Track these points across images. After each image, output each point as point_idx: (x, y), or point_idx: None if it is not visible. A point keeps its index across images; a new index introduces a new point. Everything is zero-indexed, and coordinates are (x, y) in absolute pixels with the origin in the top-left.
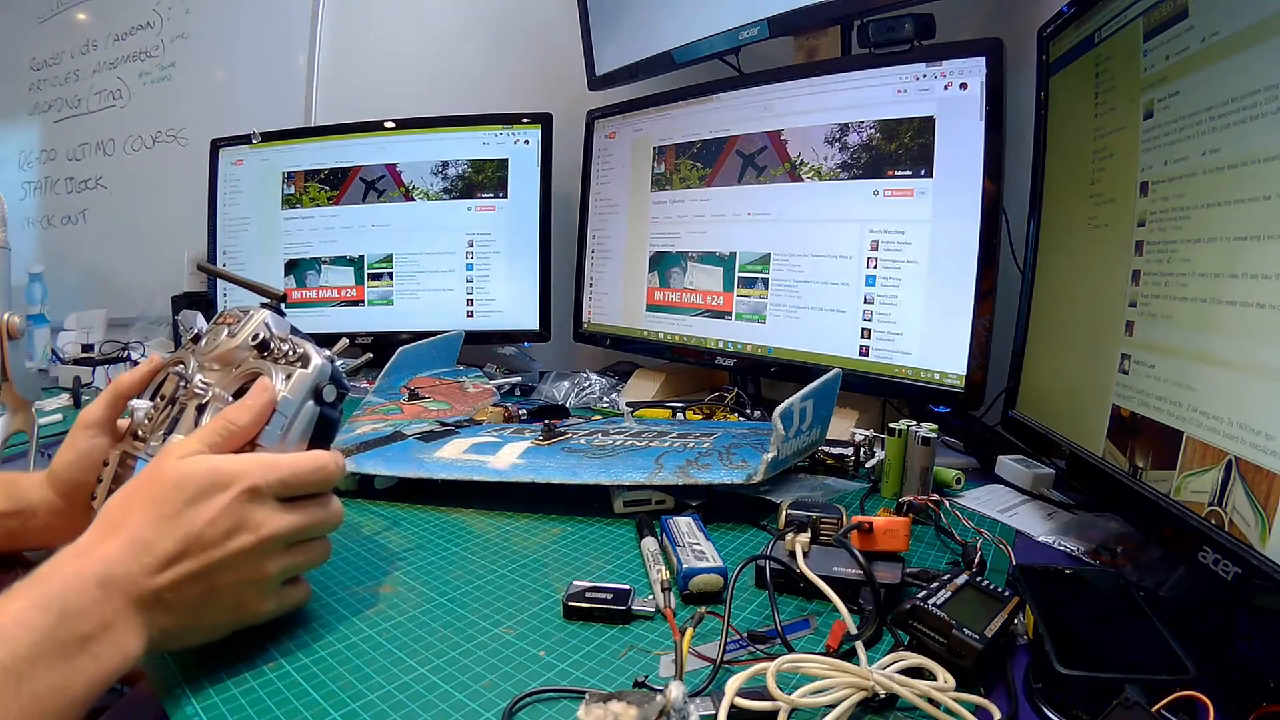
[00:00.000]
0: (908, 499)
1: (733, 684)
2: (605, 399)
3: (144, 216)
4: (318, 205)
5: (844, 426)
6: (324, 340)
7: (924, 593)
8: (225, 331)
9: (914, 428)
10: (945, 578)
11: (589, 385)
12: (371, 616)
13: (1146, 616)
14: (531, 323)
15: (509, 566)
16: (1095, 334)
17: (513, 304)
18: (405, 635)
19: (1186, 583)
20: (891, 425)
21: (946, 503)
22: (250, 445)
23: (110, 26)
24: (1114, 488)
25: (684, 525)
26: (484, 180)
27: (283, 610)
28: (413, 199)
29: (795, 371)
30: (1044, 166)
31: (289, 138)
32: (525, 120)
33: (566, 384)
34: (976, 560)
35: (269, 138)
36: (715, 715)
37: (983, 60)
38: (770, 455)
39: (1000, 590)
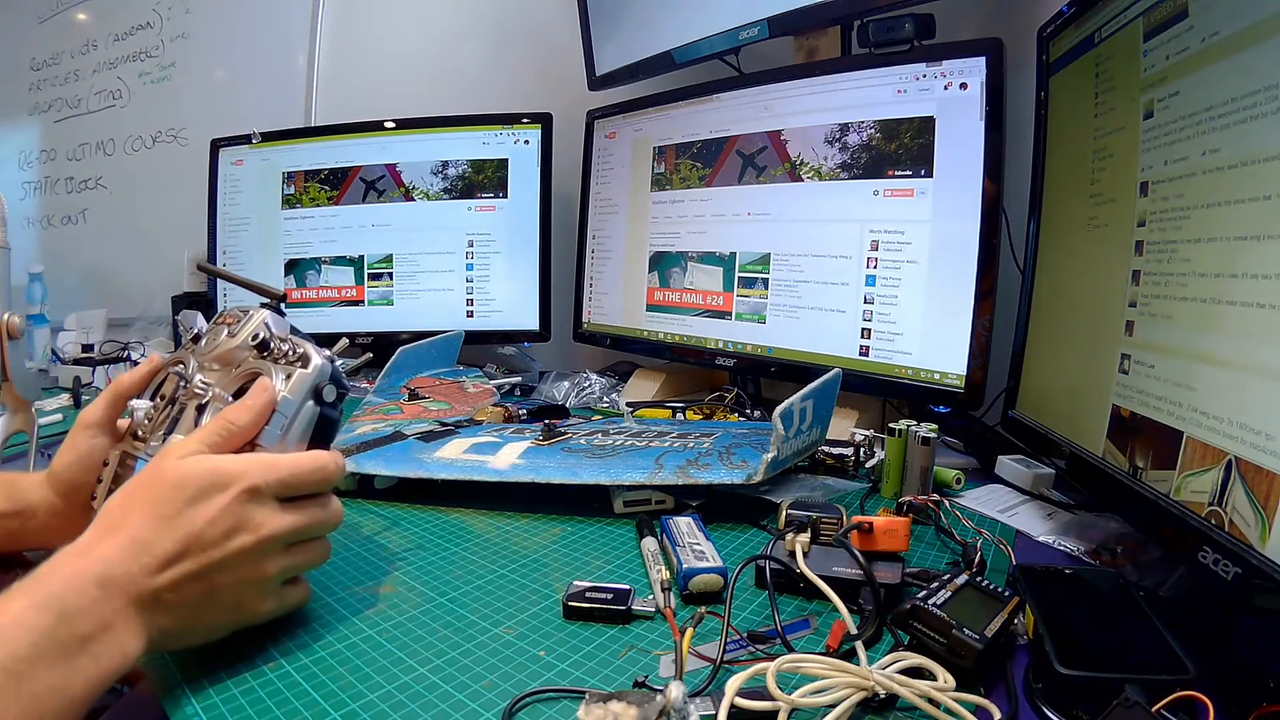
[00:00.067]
0: (908, 499)
1: (733, 684)
2: (605, 399)
3: (144, 216)
4: (318, 205)
5: (844, 426)
6: (324, 340)
7: (924, 593)
8: (225, 331)
9: (914, 428)
10: (945, 578)
11: (589, 385)
12: (371, 616)
13: (1146, 616)
14: (531, 323)
15: (509, 566)
16: (1095, 334)
17: (513, 304)
18: (405, 635)
19: (1186, 583)
20: (891, 425)
21: (946, 503)
22: (250, 445)
23: (110, 26)
24: (1114, 488)
25: (684, 525)
26: (484, 180)
27: (282, 610)
28: (413, 199)
29: (795, 371)
30: (1044, 166)
31: (289, 138)
32: (525, 120)
33: (566, 384)
34: (976, 560)
35: (269, 138)
36: (715, 715)
37: (983, 60)
38: (770, 455)
39: (1000, 590)
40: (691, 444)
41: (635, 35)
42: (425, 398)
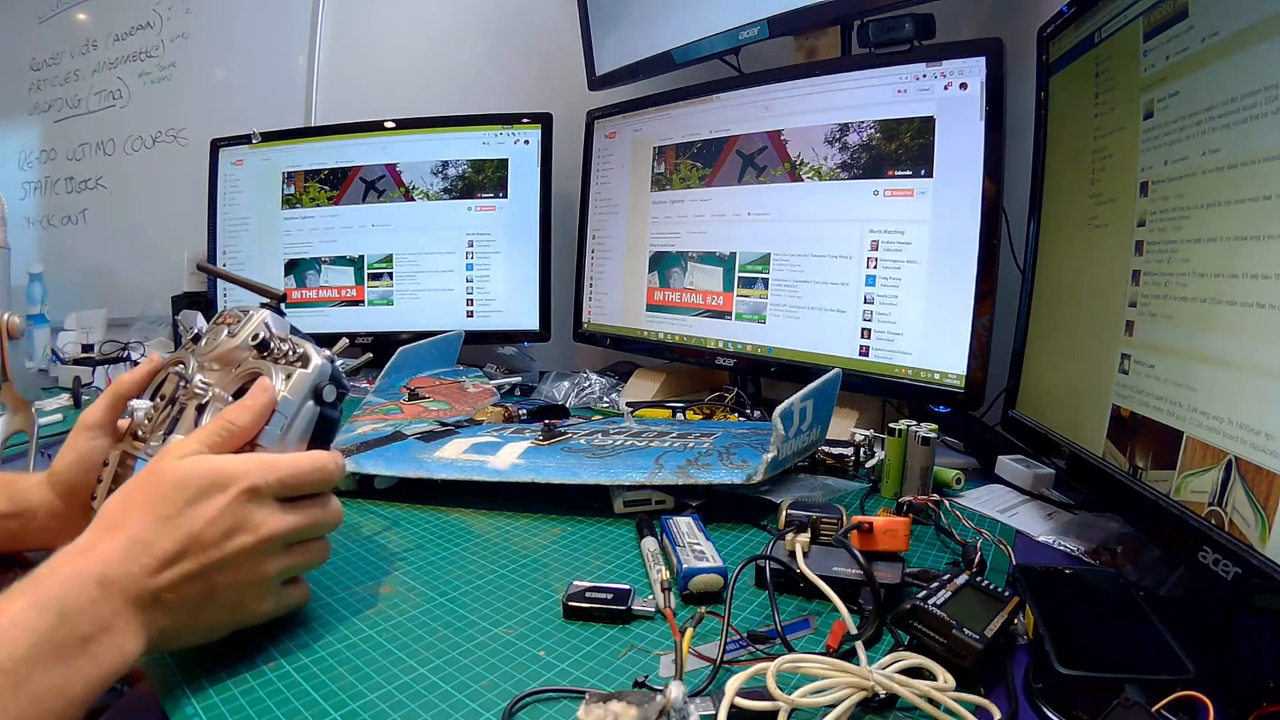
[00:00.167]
0: (908, 499)
1: (733, 684)
2: (605, 399)
3: (144, 216)
4: (318, 205)
5: (844, 426)
6: (324, 340)
7: (924, 593)
8: (225, 331)
9: (914, 428)
10: (945, 578)
11: (589, 385)
12: (371, 616)
13: (1146, 616)
14: (531, 323)
15: (509, 566)
16: (1095, 334)
17: (513, 304)
18: (405, 635)
19: (1186, 583)
20: (891, 425)
21: (946, 503)
22: (250, 445)
23: (110, 26)
24: (1114, 488)
25: (684, 525)
26: (484, 180)
27: (282, 610)
28: (413, 199)
29: (795, 371)
30: (1044, 166)
31: (289, 138)
32: (525, 120)
33: (566, 384)
34: (976, 560)
35: (269, 138)
36: (715, 715)
37: (983, 60)
38: (770, 455)
39: (1000, 590)
40: (691, 444)
41: (635, 35)
42: (425, 398)
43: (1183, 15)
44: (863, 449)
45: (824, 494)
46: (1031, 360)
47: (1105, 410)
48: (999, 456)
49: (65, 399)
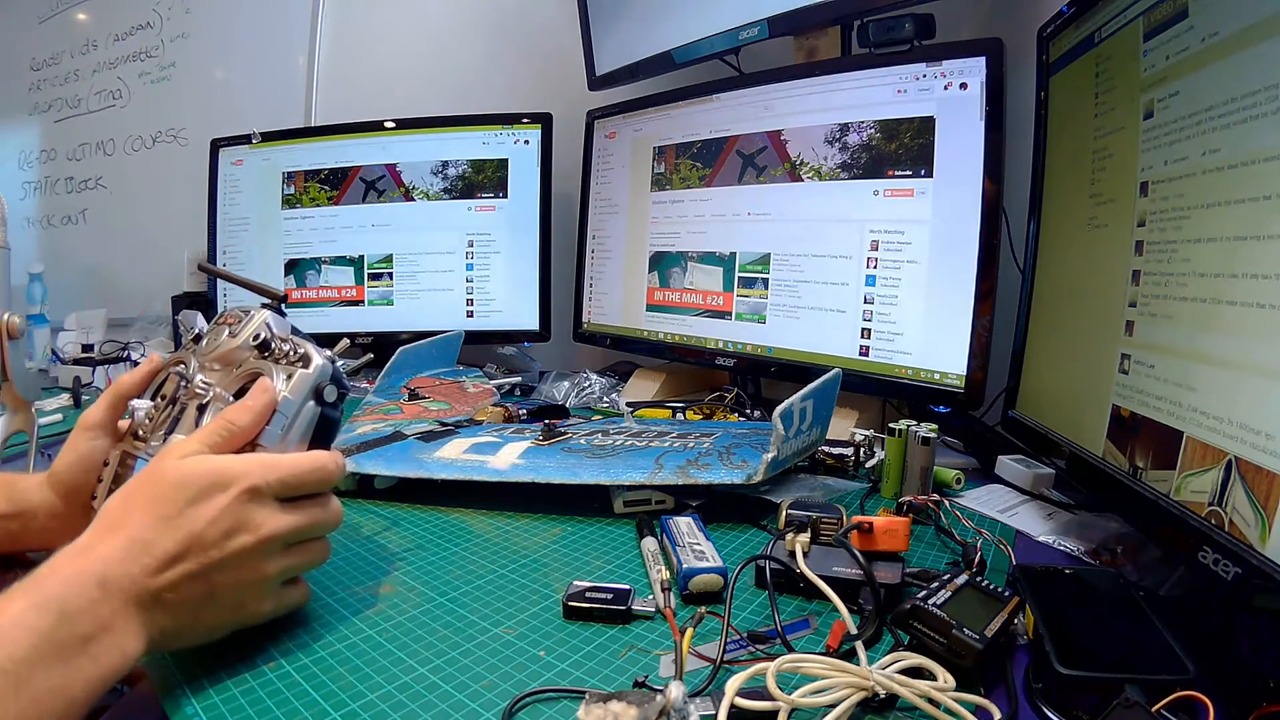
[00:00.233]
0: (908, 499)
1: (733, 684)
2: (605, 399)
3: (144, 216)
4: (318, 205)
5: (844, 426)
6: (325, 340)
7: (924, 593)
8: (226, 332)
9: (914, 428)
10: (945, 578)
11: (589, 385)
12: (371, 616)
13: (1146, 616)
14: (531, 323)
15: (509, 566)
16: (1095, 334)
17: (513, 304)
18: (405, 635)
19: (1186, 583)
20: (891, 425)
21: (946, 503)
22: (251, 445)
23: (110, 26)
24: (1114, 488)
25: (684, 525)
26: (484, 180)
27: (282, 611)
28: (413, 199)
29: (795, 371)
30: (1044, 166)
31: (289, 138)
32: (525, 120)
33: (566, 384)
34: (976, 560)
35: (269, 138)
36: (715, 715)
37: (983, 60)
38: (770, 455)
39: (1000, 590)
40: (691, 444)
41: (635, 35)
42: (425, 398)
43: (1183, 15)
44: (863, 449)
45: (824, 494)
46: (1031, 360)
47: (1105, 410)
48: (999, 456)
49: (65, 399)
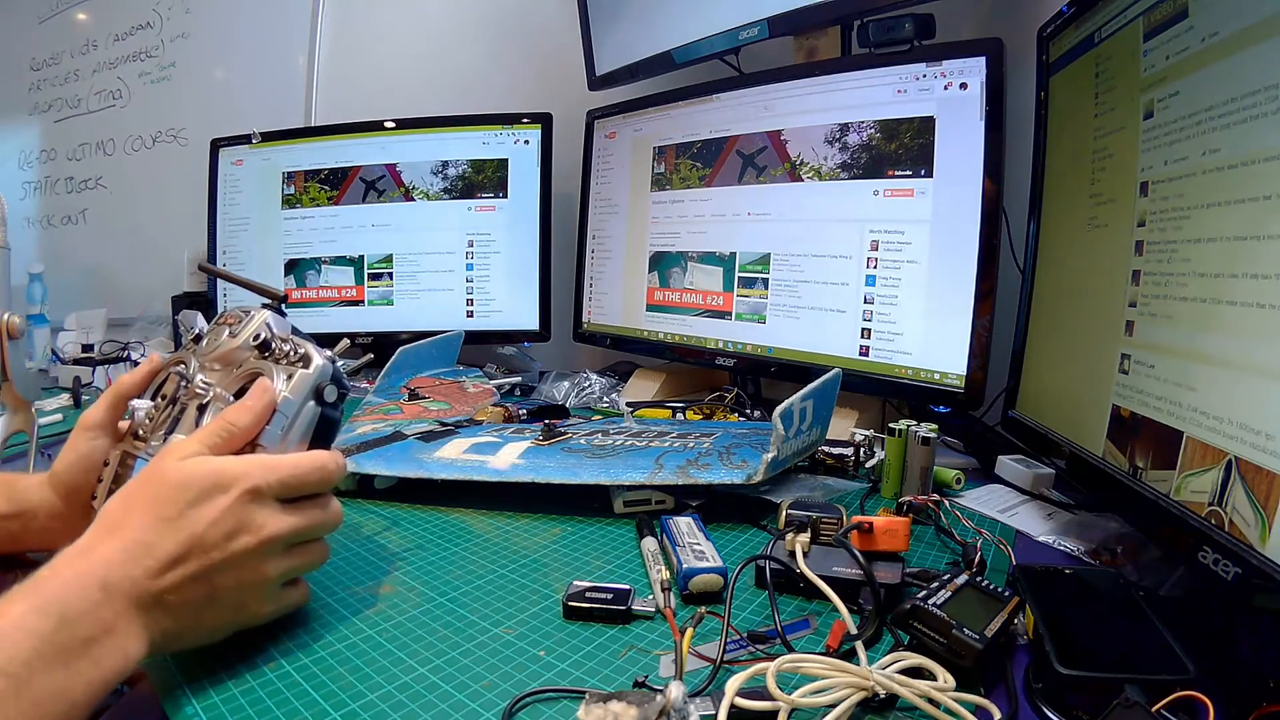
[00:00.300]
0: (908, 499)
1: (733, 684)
2: (605, 399)
3: (144, 216)
4: (318, 205)
5: (844, 426)
6: (325, 341)
7: (924, 593)
8: (226, 332)
9: (914, 428)
10: (945, 578)
11: (589, 385)
12: (371, 616)
13: (1146, 616)
14: (531, 323)
15: (509, 566)
16: (1095, 334)
17: (513, 304)
18: (405, 635)
19: (1186, 583)
20: (891, 425)
21: (946, 503)
22: (251, 445)
23: (110, 26)
24: (1114, 488)
25: (684, 525)
26: (484, 180)
27: (282, 611)
28: (413, 199)
29: (795, 371)
30: (1044, 166)
31: (289, 138)
32: (525, 120)
33: (566, 384)
34: (976, 560)
35: (269, 138)
36: (715, 715)
37: (983, 60)
38: (770, 455)
39: (1000, 590)
40: (691, 444)
41: (635, 35)
42: (425, 398)
43: (1183, 15)
44: (863, 449)
45: (824, 494)
46: (1031, 360)
47: (1105, 410)
48: (999, 456)
49: (65, 399)
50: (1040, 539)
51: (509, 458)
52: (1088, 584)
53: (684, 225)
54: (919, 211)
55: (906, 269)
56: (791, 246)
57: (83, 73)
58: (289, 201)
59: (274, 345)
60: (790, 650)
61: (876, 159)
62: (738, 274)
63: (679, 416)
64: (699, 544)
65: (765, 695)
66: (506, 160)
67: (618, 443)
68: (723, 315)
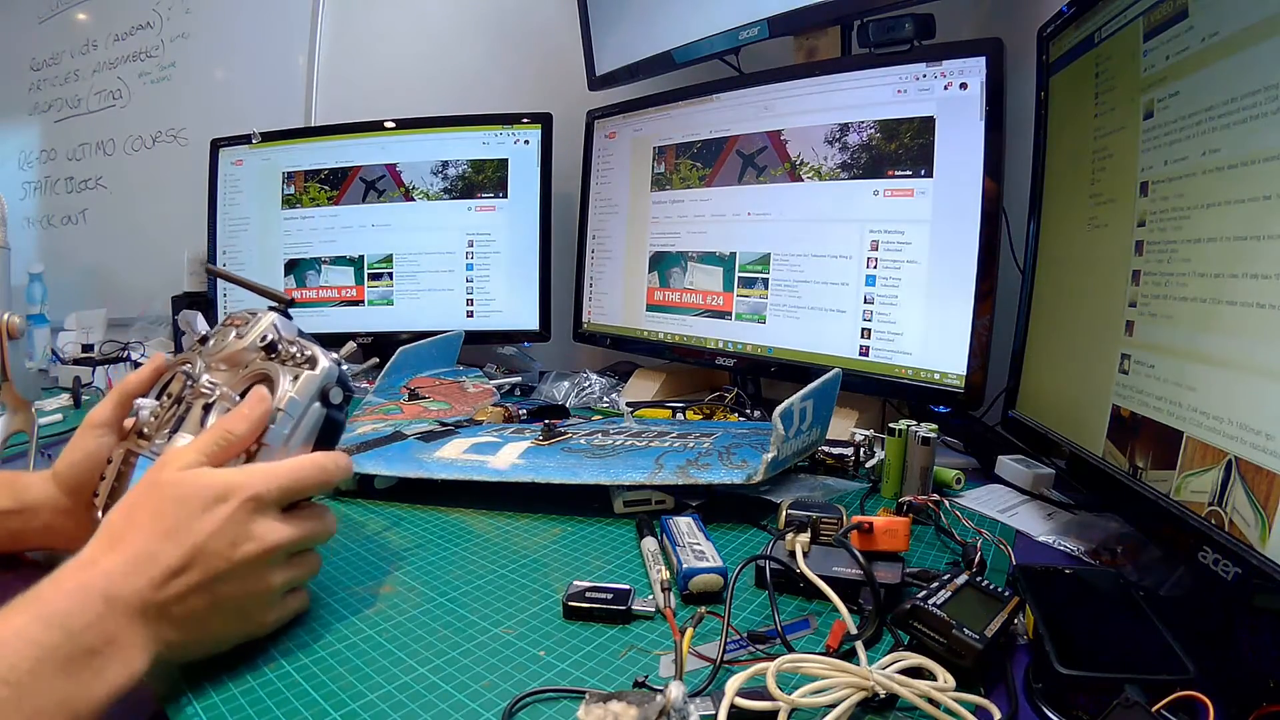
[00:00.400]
0: (908, 499)
1: (733, 684)
2: (605, 399)
3: (144, 216)
4: (318, 205)
5: (844, 426)
6: (327, 341)
7: (924, 593)
8: (233, 333)
9: (914, 428)
10: (945, 578)
11: (589, 385)
12: (371, 616)
13: (1146, 616)
14: (531, 323)
15: (509, 566)
16: (1095, 334)
17: (513, 304)
18: (405, 635)
19: (1186, 583)
20: (891, 425)
21: (946, 503)
22: (256, 444)
23: (110, 26)
24: (1114, 488)
25: (684, 525)
26: (484, 180)
27: (284, 619)
28: (413, 199)
29: (795, 371)
30: (1044, 166)
31: (289, 138)
32: (525, 120)
33: (566, 384)
34: (976, 560)
35: (269, 138)
36: (715, 715)
37: (983, 60)
38: (770, 455)
39: (1000, 590)
40: (691, 444)
41: (635, 35)
42: (425, 398)
43: (1183, 15)
44: (863, 449)
45: (824, 494)
46: (1031, 360)
47: (1105, 410)
48: (999, 456)
49: (65, 399)
50: (1040, 539)
51: (509, 458)
52: (1088, 584)
53: (684, 225)
54: (919, 211)
55: (906, 269)
56: (791, 246)
57: (83, 73)
58: (289, 201)
59: (281, 347)
60: (790, 650)
61: (876, 159)
62: (738, 274)
63: (679, 416)
64: (699, 544)
65: (765, 695)
66: (506, 160)
67: (618, 443)
68: (723, 315)
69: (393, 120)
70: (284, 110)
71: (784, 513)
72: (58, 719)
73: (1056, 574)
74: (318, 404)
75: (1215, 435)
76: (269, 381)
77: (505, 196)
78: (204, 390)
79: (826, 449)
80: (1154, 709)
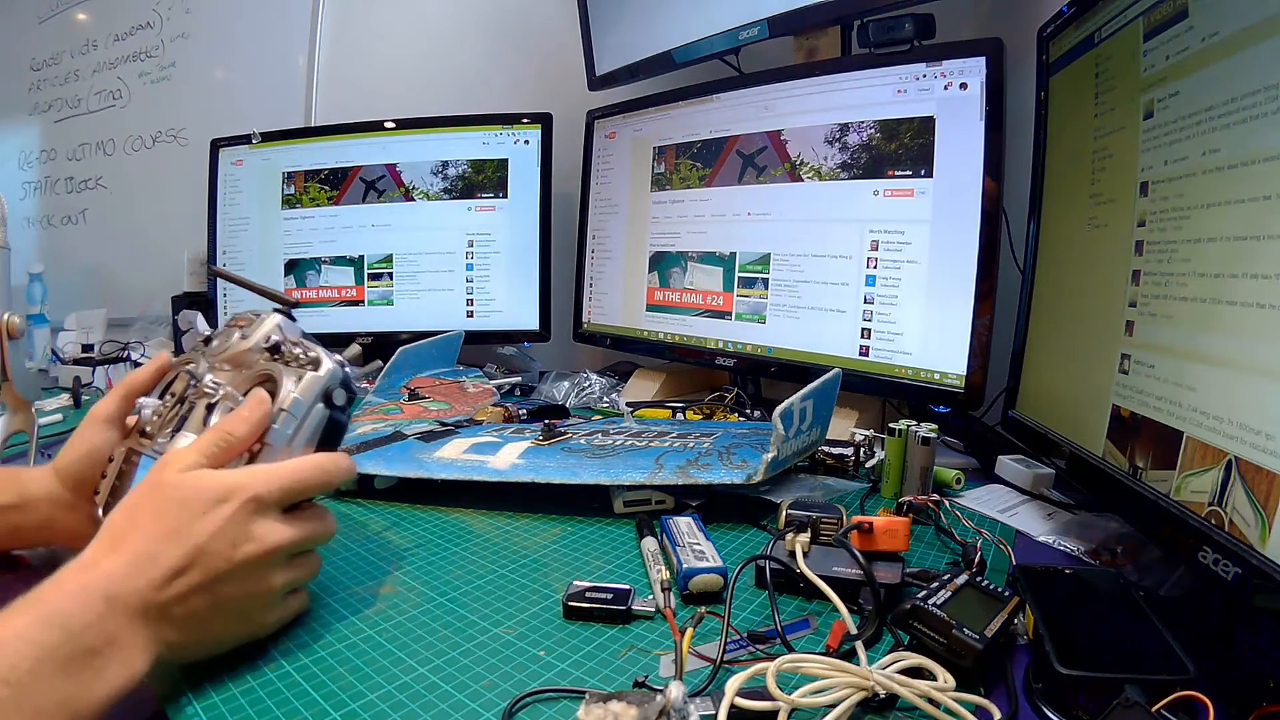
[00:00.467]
0: (908, 499)
1: (733, 684)
2: (605, 399)
3: (144, 216)
4: (318, 205)
5: (844, 426)
6: (327, 342)
7: (924, 593)
8: (238, 334)
9: (914, 428)
10: (945, 578)
11: (589, 385)
12: (371, 616)
13: (1146, 616)
14: (531, 323)
15: (509, 566)
16: (1095, 334)
17: (513, 304)
18: (405, 635)
19: (1186, 583)
20: (891, 425)
21: (946, 503)
22: (259, 444)
23: (110, 26)
24: (1114, 488)
25: (684, 525)
26: (484, 180)
27: (285, 621)
28: (413, 199)
29: (795, 371)
30: (1044, 166)
31: (289, 138)
32: (525, 120)
33: (566, 384)
34: (976, 560)
35: (269, 138)
36: (715, 715)
37: (983, 60)
38: (770, 455)
39: (1000, 590)
40: (691, 444)
41: (635, 35)
42: (425, 398)
43: (1183, 15)
44: (863, 449)
45: (824, 494)
46: (1031, 360)
47: (1105, 410)
48: (999, 456)
49: (65, 399)
50: (1040, 539)
51: (509, 458)
52: (1088, 584)
53: (684, 225)
54: (919, 211)
55: (906, 269)
56: (791, 246)
57: (83, 73)
58: (289, 201)
59: (285, 348)
60: (790, 650)
61: (876, 159)
62: (738, 274)
63: (679, 416)
64: (699, 544)
65: (765, 695)
66: (506, 160)
67: (618, 443)
68: (723, 315)
69: (393, 120)
70: (284, 110)
71: (784, 513)
72: (58, 719)
73: (1056, 574)
74: (321, 405)
75: (1215, 435)
76: (273, 382)
77: (505, 196)
78: (207, 390)
79: (826, 449)
80: (1154, 709)
